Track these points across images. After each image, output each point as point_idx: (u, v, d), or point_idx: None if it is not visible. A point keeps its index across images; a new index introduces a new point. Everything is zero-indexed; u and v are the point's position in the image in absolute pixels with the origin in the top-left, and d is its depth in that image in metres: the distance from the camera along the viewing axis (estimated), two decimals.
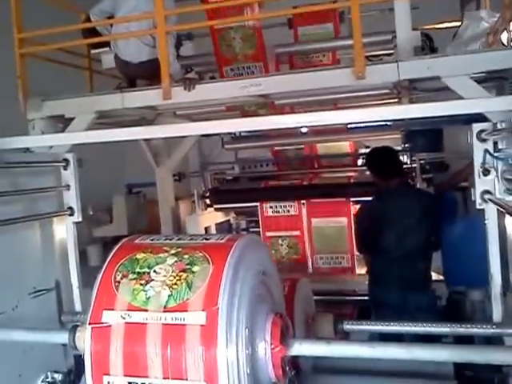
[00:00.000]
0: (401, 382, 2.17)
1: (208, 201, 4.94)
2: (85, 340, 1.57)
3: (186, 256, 1.68)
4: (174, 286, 1.59)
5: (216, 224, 5.24)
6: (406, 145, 4.70)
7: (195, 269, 1.62)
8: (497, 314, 2.01)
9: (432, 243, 3.33)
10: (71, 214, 2.81)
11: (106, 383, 1.53)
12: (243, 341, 1.53)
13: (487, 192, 1.96)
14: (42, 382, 2.42)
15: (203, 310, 1.52)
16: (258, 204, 4.53)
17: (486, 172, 1.97)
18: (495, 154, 1.91)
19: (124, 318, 1.56)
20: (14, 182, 2.54)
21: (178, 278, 1.61)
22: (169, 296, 1.57)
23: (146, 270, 1.66)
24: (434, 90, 3.08)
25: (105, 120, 3.93)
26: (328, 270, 4.33)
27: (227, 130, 3.75)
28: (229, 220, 5.46)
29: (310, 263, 4.36)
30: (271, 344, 1.66)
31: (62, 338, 1.81)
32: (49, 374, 2.44)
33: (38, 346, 2.26)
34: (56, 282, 2.66)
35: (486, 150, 1.94)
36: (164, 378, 1.48)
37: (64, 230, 2.83)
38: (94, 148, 3.00)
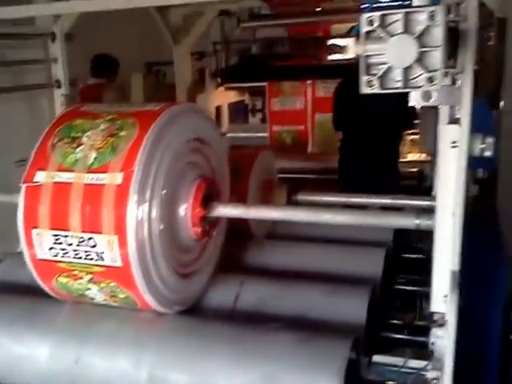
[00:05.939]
0: (341, 247, 2.30)
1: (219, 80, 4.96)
2: (19, 197, 1.74)
3: (118, 122, 1.77)
4: (101, 150, 1.70)
5: (230, 104, 5.30)
6: None
7: (122, 133, 1.72)
8: None
9: (402, 121, 3.33)
10: (59, 87, 2.93)
11: (35, 235, 1.71)
12: (158, 201, 1.66)
13: None
14: None
15: (121, 171, 1.64)
16: (265, 84, 4.54)
17: None
18: None
19: (53, 178, 1.70)
20: (1, 54, 2.65)
21: (105, 141, 1.71)
22: (94, 158, 1.69)
23: (80, 134, 1.77)
24: None
25: None
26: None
27: None
28: (244, 100, 5.49)
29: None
30: (192, 205, 1.80)
31: None
32: None
33: None
34: None
35: None
36: (82, 231, 1.64)
37: (53, 103, 2.97)
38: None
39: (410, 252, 2.42)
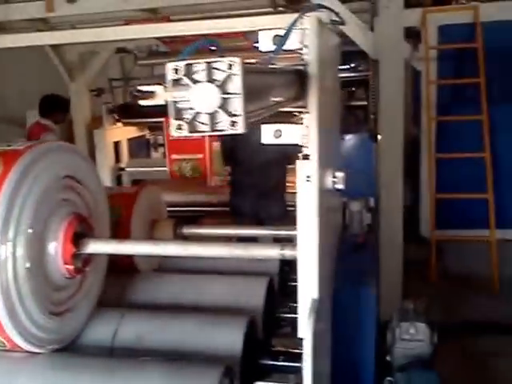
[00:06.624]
0: (226, 278, 2.35)
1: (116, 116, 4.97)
2: None
3: None
4: None
5: (132, 139, 5.31)
6: None
7: None
8: None
9: (286, 155, 3.49)
10: None
11: None
12: (23, 239, 1.64)
13: None
14: None
15: None
16: (163, 120, 4.59)
17: None
18: None
19: None
20: None
21: None
22: None
23: None
24: None
25: None
26: None
27: (114, 37, 3.76)
28: (145, 135, 5.52)
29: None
30: (63, 243, 1.79)
31: None
32: None
33: None
34: None
35: None
36: None
37: None
38: None
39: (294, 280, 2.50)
